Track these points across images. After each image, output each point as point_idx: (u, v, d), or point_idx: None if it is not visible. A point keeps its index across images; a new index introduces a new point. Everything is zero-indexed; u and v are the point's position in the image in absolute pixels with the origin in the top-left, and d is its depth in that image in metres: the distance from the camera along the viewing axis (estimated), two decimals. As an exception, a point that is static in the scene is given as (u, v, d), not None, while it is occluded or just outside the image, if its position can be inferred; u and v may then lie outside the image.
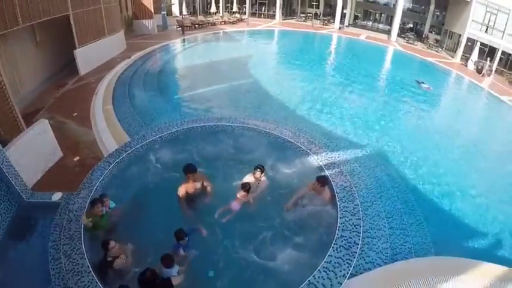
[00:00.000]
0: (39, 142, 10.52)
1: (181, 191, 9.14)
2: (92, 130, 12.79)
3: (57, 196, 9.45)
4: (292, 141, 11.55)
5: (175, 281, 6.91)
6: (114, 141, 11.88)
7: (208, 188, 9.52)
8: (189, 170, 9.13)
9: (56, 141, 11.20)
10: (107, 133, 12.41)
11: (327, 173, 9.99)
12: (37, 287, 7.46)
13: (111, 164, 10.35)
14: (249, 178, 9.56)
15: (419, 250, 8.29)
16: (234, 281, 7.57)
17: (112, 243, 7.42)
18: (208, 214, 8.97)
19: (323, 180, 9.12)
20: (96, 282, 7.13)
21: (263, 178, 9.59)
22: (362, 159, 11.48)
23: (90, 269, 7.38)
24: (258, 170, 9.39)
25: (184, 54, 25.34)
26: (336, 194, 9.22)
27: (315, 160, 10.70)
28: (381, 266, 7.58)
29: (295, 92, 17.74)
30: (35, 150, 10.33)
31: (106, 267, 7.52)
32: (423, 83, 18.57)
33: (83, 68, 19.55)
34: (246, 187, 9.06)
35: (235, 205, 9.07)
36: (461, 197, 10.59)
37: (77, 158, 11.32)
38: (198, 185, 9.34)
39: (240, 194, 9.11)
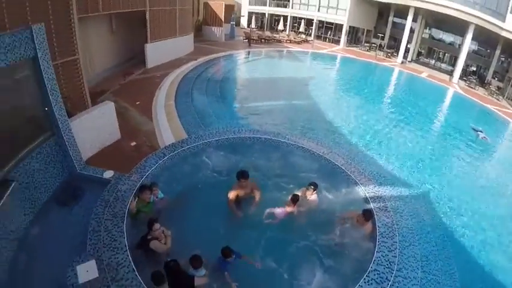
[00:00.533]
0: (102, 121, 10.88)
1: (232, 194, 9.25)
2: (151, 121, 13.08)
3: (108, 174, 9.67)
4: (343, 168, 11.33)
5: (198, 281, 6.85)
6: (171, 135, 12.10)
7: (257, 196, 9.60)
8: (243, 175, 9.25)
9: (117, 123, 11.53)
10: (166, 126, 12.64)
11: (371, 205, 9.73)
12: (69, 254, 7.42)
13: (166, 155, 10.51)
14: (300, 192, 9.53)
15: None
16: None
17: (157, 225, 7.47)
18: (254, 218, 9.04)
19: (368, 215, 8.94)
20: (130, 262, 7.16)
21: (313, 196, 9.53)
22: (407, 198, 11.10)
23: (127, 247, 7.44)
24: (311, 187, 9.37)
25: (248, 65, 25.74)
26: (377, 228, 8.95)
27: (362, 191, 10.42)
28: None
29: (349, 120, 17.51)
30: (96, 128, 10.68)
31: (141, 245, 7.56)
32: (481, 131, 17.41)
33: (151, 62, 20.22)
34: (295, 198, 9.07)
35: (280, 212, 9.10)
36: (500, 255, 10.06)
37: (134, 143, 11.57)
38: (248, 190, 9.52)
39: (288, 204, 9.14)
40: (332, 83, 24.98)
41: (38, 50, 7.86)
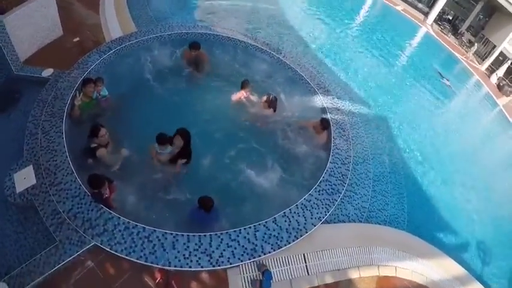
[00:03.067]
0: (41, 15, 9.45)
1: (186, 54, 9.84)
2: (98, 15, 11.63)
3: (47, 72, 8.71)
4: (303, 74, 10.67)
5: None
6: (120, 29, 10.79)
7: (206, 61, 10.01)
8: (194, 46, 9.55)
9: (59, 19, 10.15)
10: (114, 20, 11.24)
11: (329, 116, 9.38)
12: (7, 161, 6.81)
13: (111, 49, 9.45)
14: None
15: (393, 221, 8.05)
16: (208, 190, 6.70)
17: (103, 131, 6.73)
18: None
19: (326, 123, 8.74)
20: (69, 163, 6.57)
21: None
22: (365, 117, 10.86)
23: (66, 149, 6.79)
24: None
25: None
26: (332, 139, 8.75)
27: (320, 101, 9.97)
28: (355, 222, 7.38)
29: (315, 34, 16.33)
30: (34, 24, 9.31)
31: (85, 153, 6.88)
32: (446, 78, 17.29)
33: None
34: (245, 82, 9.05)
35: (234, 96, 9.17)
36: (444, 187, 10.35)
37: (77, 39, 10.31)
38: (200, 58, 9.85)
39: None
40: None
41: None
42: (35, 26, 9.36)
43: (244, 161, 7.90)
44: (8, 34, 8.31)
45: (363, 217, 7.51)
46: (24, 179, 6.46)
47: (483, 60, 23.35)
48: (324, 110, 9.65)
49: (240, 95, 9.06)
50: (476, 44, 23.71)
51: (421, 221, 8.58)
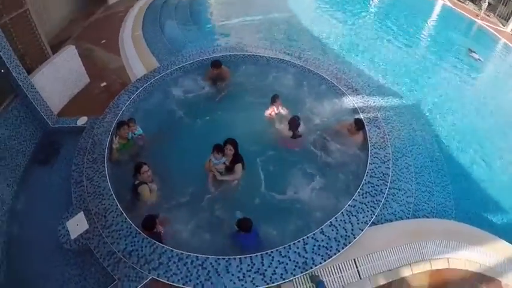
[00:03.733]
0: (66, 69, 10.04)
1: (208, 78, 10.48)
2: (120, 57, 12.12)
3: (82, 121, 9.12)
4: (329, 79, 10.65)
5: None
6: (142, 66, 11.21)
7: (227, 79, 10.54)
8: (215, 64, 10.21)
9: (83, 67, 10.70)
10: (136, 59, 11.70)
11: (361, 116, 9.28)
12: (59, 211, 7.13)
13: (139, 88, 9.84)
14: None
15: (441, 211, 7.81)
16: (252, 212, 6.93)
17: (145, 167, 7.01)
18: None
19: (360, 124, 8.69)
20: (117, 205, 6.84)
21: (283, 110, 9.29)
22: (397, 109, 10.55)
23: (112, 192, 7.07)
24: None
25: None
26: (369, 139, 8.61)
27: (351, 102, 9.91)
28: (402, 219, 7.20)
29: (332, 32, 16.22)
30: (61, 77, 9.90)
31: (130, 191, 7.15)
32: (474, 52, 16.18)
33: (112, -3, 18.68)
34: (274, 97, 9.11)
35: (267, 112, 9.27)
36: (488, 170, 9.79)
37: (104, 83, 10.80)
38: (222, 76, 10.47)
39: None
40: None
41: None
42: (62, 79, 9.94)
43: (283, 174, 8.00)
44: (38, 92, 8.81)
45: (410, 212, 7.38)
46: (77, 225, 6.75)
47: (507, 21, 21.99)
48: (355, 110, 9.61)
49: (271, 110, 9.17)
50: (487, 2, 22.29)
51: (468, 206, 8.34)
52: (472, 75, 14.66)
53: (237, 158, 7.53)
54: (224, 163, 7.53)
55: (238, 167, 7.51)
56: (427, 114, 11.14)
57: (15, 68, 8.08)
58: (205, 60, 11.12)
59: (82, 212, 6.94)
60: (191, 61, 11.06)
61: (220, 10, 18.79)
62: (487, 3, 21.74)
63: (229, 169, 7.59)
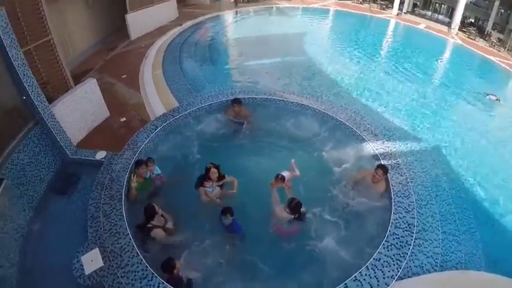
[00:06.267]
0: (86, 101, 10.34)
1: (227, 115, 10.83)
2: (140, 93, 12.47)
3: (101, 155, 9.28)
4: (348, 124, 10.70)
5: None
6: (161, 105, 11.50)
7: (249, 121, 10.79)
8: (236, 100, 10.69)
9: (103, 100, 11.00)
10: (155, 97, 12.04)
11: (382, 163, 9.13)
12: (73, 243, 7.20)
13: (158, 127, 10.06)
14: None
15: (469, 261, 7.51)
16: (272, 263, 7.12)
17: (156, 209, 7.09)
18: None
19: (384, 171, 8.38)
20: (133, 246, 6.88)
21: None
22: (418, 153, 10.45)
23: (128, 231, 7.15)
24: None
25: (236, 26, 24.42)
26: (391, 188, 8.47)
27: (371, 148, 9.88)
28: (430, 272, 6.94)
29: (348, 74, 16.52)
30: (81, 109, 10.17)
31: (143, 233, 7.20)
32: (492, 94, 15.61)
33: (134, 32, 19.25)
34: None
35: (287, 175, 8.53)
36: None
37: (123, 119, 11.07)
38: (242, 114, 10.84)
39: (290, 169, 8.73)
40: (326, 37, 23.38)
41: (2, 37, 7.21)
42: (82, 111, 10.19)
43: (303, 227, 7.85)
44: (58, 122, 9.00)
45: (437, 264, 7.12)
46: (92, 261, 6.77)
47: None
48: (375, 156, 9.56)
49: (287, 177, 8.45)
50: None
51: (497, 254, 7.93)
52: (492, 114, 14.62)
53: (221, 177, 8.09)
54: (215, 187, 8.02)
55: (235, 182, 8.23)
56: (449, 158, 10.93)
57: (37, 96, 8.29)
58: (224, 102, 11.40)
59: (97, 248, 7.00)
60: (210, 102, 11.33)
61: (239, 51, 19.50)
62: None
63: (222, 187, 8.20)
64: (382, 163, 8.91)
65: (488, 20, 25.87)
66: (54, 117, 8.88)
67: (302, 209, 7.41)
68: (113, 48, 17.32)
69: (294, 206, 7.24)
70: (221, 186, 8.18)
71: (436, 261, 7.14)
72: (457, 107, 14.83)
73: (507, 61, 21.32)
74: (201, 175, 7.90)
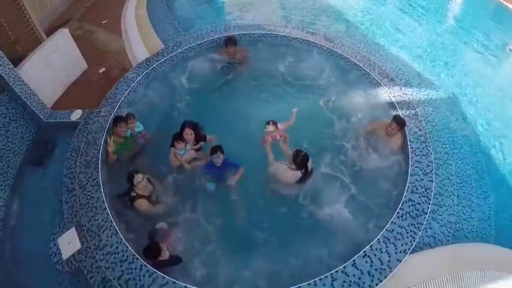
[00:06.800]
0: (59, 55, 8.88)
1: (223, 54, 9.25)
2: (121, 37, 10.95)
3: (76, 115, 8.08)
4: (362, 65, 9.02)
5: None
6: (145, 49, 9.93)
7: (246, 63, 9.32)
8: (230, 41, 8.98)
9: (79, 52, 9.56)
10: (138, 40, 10.42)
11: (400, 113, 7.73)
12: (50, 220, 6.38)
13: (139, 75, 8.61)
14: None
15: (481, 229, 6.49)
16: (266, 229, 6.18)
17: (138, 177, 5.88)
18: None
19: (402, 122, 6.97)
20: (111, 222, 5.78)
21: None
22: (435, 101, 8.92)
23: (106, 205, 6.00)
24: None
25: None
26: (409, 144, 7.08)
27: (387, 94, 8.32)
28: (442, 242, 5.91)
29: (356, 8, 14.11)
30: (54, 65, 8.76)
31: (126, 205, 6.11)
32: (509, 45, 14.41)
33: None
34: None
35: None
36: None
37: (102, 69, 9.67)
38: (238, 57, 9.27)
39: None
40: None
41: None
42: (55, 67, 8.83)
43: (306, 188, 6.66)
44: (27, 85, 7.75)
45: (450, 234, 6.11)
46: (69, 243, 5.83)
47: None
48: (392, 104, 8.09)
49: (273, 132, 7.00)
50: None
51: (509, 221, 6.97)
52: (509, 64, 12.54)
53: (200, 138, 6.92)
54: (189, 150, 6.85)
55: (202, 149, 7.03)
56: (466, 108, 9.45)
57: (-2, 59, 7.00)
58: (216, 40, 9.81)
59: (74, 227, 5.96)
60: (199, 41, 9.72)
61: None
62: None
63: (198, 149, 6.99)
64: (399, 114, 7.51)
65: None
66: (21, 79, 7.59)
67: (309, 164, 6.18)
68: (94, -7, 15.61)
69: (302, 159, 6.05)
70: (198, 150, 6.95)
71: (450, 230, 6.12)
72: (472, 50, 12.75)
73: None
74: (176, 133, 6.63)
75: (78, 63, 9.53)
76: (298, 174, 6.16)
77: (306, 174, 6.26)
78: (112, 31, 11.43)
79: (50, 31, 9.58)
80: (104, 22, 12.10)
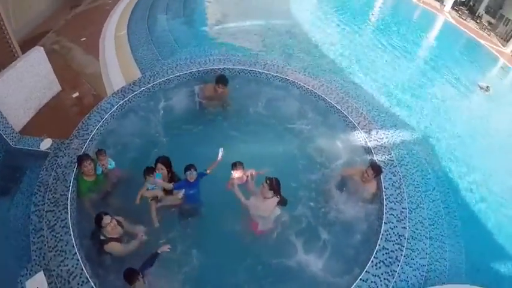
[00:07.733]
0: (32, 75, 8.51)
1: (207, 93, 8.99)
2: (98, 60, 10.71)
3: (46, 144, 7.73)
4: (339, 107, 9.13)
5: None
6: (121, 75, 9.79)
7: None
8: (222, 80, 8.68)
9: (53, 73, 9.19)
10: (115, 65, 10.26)
11: (375, 158, 7.88)
12: (19, 260, 6.00)
13: (114, 106, 8.41)
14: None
15: (452, 268, 6.67)
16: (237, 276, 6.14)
17: (107, 219, 5.62)
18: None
19: (378, 169, 7.06)
20: (82, 269, 5.54)
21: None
22: (410, 144, 9.12)
23: (76, 249, 5.76)
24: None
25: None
26: (384, 190, 7.19)
27: (363, 138, 8.44)
28: (414, 286, 6.01)
29: (335, 45, 14.54)
30: (25, 86, 8.37)
31: (97, 248, 5.92)
32: (481, 85, 14.07)
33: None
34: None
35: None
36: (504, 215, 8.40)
37: (76, 94, 9.38)
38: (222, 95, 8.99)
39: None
40: (315, 4, 21.28)
41: None
42: (27, 88, 8.45)
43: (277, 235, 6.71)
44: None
45: (422, 277, 6.20)
46: (37, 288, 5.57)
47: (507, 42, 21.08)
48: (368, 149, 8.20)
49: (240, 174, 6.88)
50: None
51: (480, 260, 7.17)
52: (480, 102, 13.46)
53: (173, 177, 6.72)
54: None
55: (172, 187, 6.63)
56: (439, 150, 9.66)
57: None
58: (195, 73, 9.76)
59: (42, 271, 5.69)
60: (178, 73, 9.60)
61: (218, 9, 17.14)
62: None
63: (169, 192, 6.66)
64: (376, 161, 7.64)
65: (481, 2, 24.54)
66: (-10, 100, 7.23)
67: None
68: (75, 6, 15.27)
69: (277, 183, 6.16)
70: (167, 192, 6.69)
71: (422, 273, 6.24)
72: (446, 91, 13.30)
73: (494, 46, 20.35)
74: (148, 166, 6.44)
75: (51, 85, 9.18)
76: (275, 199, 6.21)
77: (281, 197, 6.29)
78: (89, 51, 11.21)
79: (24, 43, 9.38)
80: (82, 39, 11.85)
